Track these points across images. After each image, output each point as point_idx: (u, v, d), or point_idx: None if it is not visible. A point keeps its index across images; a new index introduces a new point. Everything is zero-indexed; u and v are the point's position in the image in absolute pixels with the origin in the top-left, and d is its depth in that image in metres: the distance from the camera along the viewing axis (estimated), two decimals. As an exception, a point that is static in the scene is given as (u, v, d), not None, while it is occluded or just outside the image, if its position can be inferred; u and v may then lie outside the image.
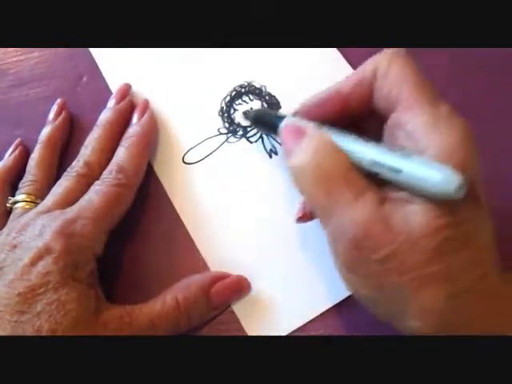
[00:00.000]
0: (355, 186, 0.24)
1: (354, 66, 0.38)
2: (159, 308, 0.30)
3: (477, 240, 0.23)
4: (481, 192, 0.24)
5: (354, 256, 0.24)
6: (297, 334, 0.32)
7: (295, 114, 0.30)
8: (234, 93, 0.38)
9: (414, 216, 0.23)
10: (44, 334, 0.27)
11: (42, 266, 0.28)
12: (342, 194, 0.24)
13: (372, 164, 0.24)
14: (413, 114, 0.24)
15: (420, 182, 0.22)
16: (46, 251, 0.28)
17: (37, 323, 0.27)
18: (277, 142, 0.37)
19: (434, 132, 0.24)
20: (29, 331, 0.27)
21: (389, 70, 0.26)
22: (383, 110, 0.26)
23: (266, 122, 0.33)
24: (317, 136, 0.26)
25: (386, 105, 0.26)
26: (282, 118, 0.30)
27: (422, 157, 0.23)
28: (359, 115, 0.28)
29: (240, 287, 0.33)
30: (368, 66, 0.27)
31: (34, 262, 0.28)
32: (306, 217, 0.31)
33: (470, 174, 0.23)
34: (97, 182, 0.32)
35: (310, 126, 0.27)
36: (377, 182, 0.25)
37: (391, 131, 0.26)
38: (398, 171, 0.23)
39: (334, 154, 0.25)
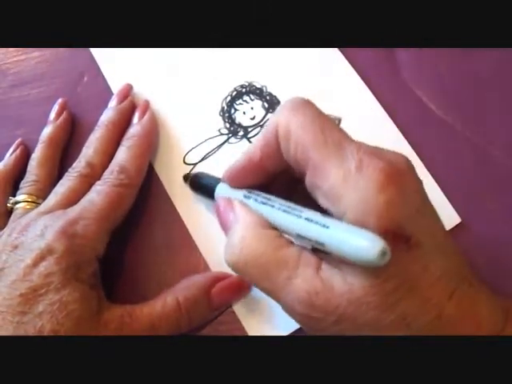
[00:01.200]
0: (287, 264, 0.24)
1: (355, 65, 0.38)
2: (160, 309, 0.30)
3: (422, 281, 0.23)
4: (416, 229, 0.23)
5: (310, 325, 0.25)
6: (297, 333, 0.32)
7: (224, 182, 0.30)
8: (234, 93, 0.38)
9: (351, 276, 0.23)
10: (46, 334, 0.27)
11: (43, 267, 0.28)
12: (278, 277, 0.24)
13: (297, 237, 0.24)
14: (322, 177, 0.23)
15: (342, 252, 0.22)
16: (48, 252, 0.28)
17: (38, 324, 0.27)
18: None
19: (346, 192, 0.22)
20: (30, 332, 0.27)
21: (288, 130, 0.25)
22: (297, 169, 0.25)
23: (203, 187, 0.33)
24: (240, 221, 0.26)
25: (296, 166, 0.25)
26: (216, 183, 0.31)
27: (342, 224, 0.22)
28: (282, 170, 0.27)
29: (240, 288, 0.33)
30: (269, 128, 0.26)
31: (35, 263, 0.28)
32: None
33: (395, 219, 0.22)
34: (98, 182, 0.33)
35: (237, 204, 0.27)
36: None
37: (311, 190, 0.25)
38: (321, 244, 0.23)
39: (260, 237, 0.25)
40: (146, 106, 0.37)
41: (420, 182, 0.24)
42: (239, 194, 0.28)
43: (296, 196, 0.27)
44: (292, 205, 0.25)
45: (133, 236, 0.35)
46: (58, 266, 0.28)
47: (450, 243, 0.24)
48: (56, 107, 0.38)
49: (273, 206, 0.26)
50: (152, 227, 0.35)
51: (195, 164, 0.37)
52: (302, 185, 0.25)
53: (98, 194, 0.32)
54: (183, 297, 0.31)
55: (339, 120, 0.31)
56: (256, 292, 0.33)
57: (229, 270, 0.33)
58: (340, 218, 0.23)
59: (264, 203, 0.26)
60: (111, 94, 0.38)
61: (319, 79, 0.38)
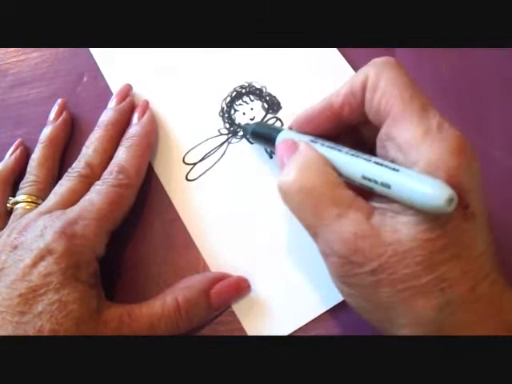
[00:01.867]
0: (340, 202, 0.24)
1: (354, 65, 0.38)
2: (159, 309, 0.30)
3: (467, 251, 0.23)
4: (474, 202, 0.23)
5: (345, 270, 0.25)
6: (297, 334, 0.32)
7: (290, 128, 0.30)
8: (234, 93, 0.38)
9: (404, 228, 0.23)
10: (45, 334, 0.27)
11: (43, 267, 0.28)
12: (328, 212, 0.24)
13: (362, 179, 0.25)
14: (402, 128, 0.24)
15: (409, 196, 0.22)
16: (47, 252, 0.29)
17: (38, 324, 0.27)
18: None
19: (423, 145, 0.23)
20: (30, 332, 0.27)
21: (377, 82, 0.26)
22: (374, 121, 0.26)
23: (264, 136, 0.33)
24: (303, 154, 0.26)
25: (376, 117, 0.26)
26: (279, 131, 0.31)
27: (412, 170, 0.23)
28: (353, 125, 0.28)
29: (240, 288, 0.33)
30: (357, 78, 0.27)
31: (35, 263, 0.28)
32: None
33: (461, 184, 0.23)
34: (98, 183, 0.33)
35: (302, 142, 0.28)
36: (369, 192, 0.25)
37: (382, 143, 0.26)
38: (387, 186, 0.23)
39: (320, 172, 0.25)
40: (146, 106, 0.37)
41: (479, 166, 0.25)
42: (305, 138, 0.28)
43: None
44: (359, 151, 0.26)
45: (132, 236, 0.35)
46: (58, 266, 0.28)
47: (490, 230, 0.25)
48: (56, 107, 0.38)
49: (340, 151, 0.26)
50: (151, 227, 0.35)
51: (195, 164, 0.37)
52: (363, 147, 0.26)
53: (97, 195, 0.32)
54: (182, 297, 0.31)
55: None
56: (256, 292, 0.33)
57: (229, 271, 0.33)
58: (410, 167, 0.23)
59: (331, 148, 0.27)
60: (111, 94, 0.38)
61: (319, 79, 0.38)
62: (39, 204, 0.33)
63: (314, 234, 0.26)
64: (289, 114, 0.37)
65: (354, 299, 0.26)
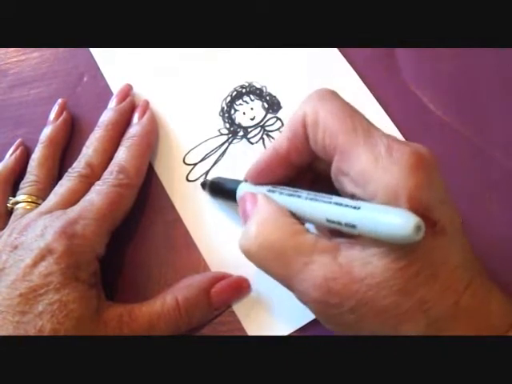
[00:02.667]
0: (304, 250, 0.24)
1: (354, 66, 0.38)
2: (159, 308, 0.31)
3: (442, 268, 0.23)
4: (443, 215, 0.23)
5: (325, 314, 0.25)
6: (297, 334, 0.32)
7: (246, 180, 0.30)
8: (234, 93, 0.38)
9: (374, 260, 0.22)
10: (46, 334, 0.27)
11: (43, 267, 0.28)
12: (294, 263, 0.24)
13: (326, 222, 0.24)
14: (351, 162, 0.24)
15: (375, 232, 0.22)
16: (47, 252, 0.29)
17: (39, 323, 0.27)
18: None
19: (376, 175, 0.22)
20: (31, 332, 0.27)
21: (316, 118, 0.25)
22: (324, 157, 0.26)
23: (223, 191, 0.33)
24: (261, 209, 0.26)
25: (324, 153, 0.25)
26: (237, 183, 0.31)
27: (373, 204, 0.23)
28: (306, 164, 0.28)
29: (240, 288, 0.33)
30: (295, 118, 0.26)
31: (35, 263, 0.28)
32: None
33: (425, 202, 0.22)
34: (98, 183, 0.33)
35: (260, 195, 0.27)
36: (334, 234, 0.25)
37: (337, 178, 0.25)
38: (352, 226, 0.23)
39: (278, 225, 0.25)
40: (146, 106, 0.37)
41: (441, 176, 0.24)
42: (263, 189, 0.28)
43: (320, 191, 0.26)
44: (319, 193, 0.25)
45: (133, 236, 0.35)
46: (58, 265, 0.28)
47: (465, 237, 0.25)
48: (56, 107, 0.38)
49: (299, 196, 0.26)
50: (152, 227, 0.35)
51: (195, 164, 0.37)
52: (323, 181, 0.26)
53: (97, 195, 0.32)
54: (183, 296, 0.31)
55: None
56: (257, 292, 0.33)
57: (229, 270, 0.33)
58: (369, 201, 0.23)
59: (290, 195, 0.26)
60: (111, 94, 0.38)
61: (319, 79, 0.38)
62: (39, 204, 0.33)
63: (287, 286, 0.25)
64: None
65: (346, 333, 0.26)
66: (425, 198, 0.22)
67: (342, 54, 0.39)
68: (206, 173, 0.36)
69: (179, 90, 0.39)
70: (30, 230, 0.30)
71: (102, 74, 0.40)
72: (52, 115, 0.38)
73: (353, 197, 0.24)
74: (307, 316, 0.32)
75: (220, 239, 0.34)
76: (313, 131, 0.25)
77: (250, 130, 0.37)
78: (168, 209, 0.36)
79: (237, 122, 0.38)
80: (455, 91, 0.37)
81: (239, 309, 0.33)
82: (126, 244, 0.35)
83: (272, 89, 0.38)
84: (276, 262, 0.25)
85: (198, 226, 0.35)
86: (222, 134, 0.37)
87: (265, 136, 0.37)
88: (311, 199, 0.25)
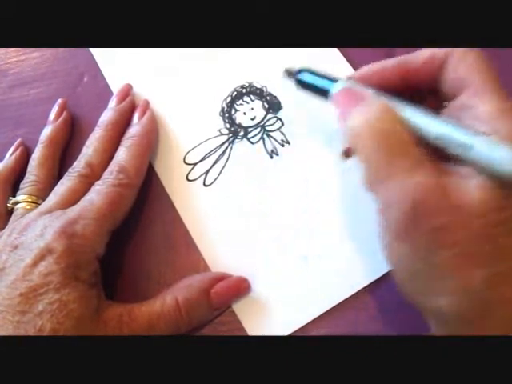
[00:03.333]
0: (413, 156, 0.24)
1: (355, 65, 0.38)
2: (158, 308, 0.31)
3: None
4: None
5: (408, 223, 0.24)
6: (298, 334, 0.32)
7: (350, 79, 0.29)
8: (234, 93, 0.38)
9: (472, 192, 0.23)
10: (46, 333, 0.27)
11: (43, 267, 0.28)
12: (400, 163, 0.24)
13: (439, 137, 0.24)
14: (483, 99, 0.25)
15: (486, 158, 0.23)
16: (47, 251, 0.29)
17: (39, 323, 0.27)
18: (278, 142, 0.37)
19: (502, 118, 0.24)
20: (31, 331, 0.27)
21: (464, 56, 0.26)
22: (448, 90, 0.27)
23: (313, 85, 0.31)
24: (375, 102, 0.26)
25: (452, 87, 0.27)
26: (332, 81, 0.29)
27: (490, 137, 0.23)
28: (418, 90, 0.28)
29: (240, 288, 0.33)
30: (440, 50, 0.27)
31: (35, 263, 0.28)
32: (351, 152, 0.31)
33: None
34: (98, 183, 0.33)
35: (369, 93, 0.27)
36: (438, 156, 0.25)
37: (455, 112, 0.26)
38: (468, 147, 0.23)
39: (396, 120, 0.25)
40: (146, 105, 0.37)
41: None
42: (368, 91, 0.27)
43: None
44: (431, 112, 0.26)
45: (132, 236, 0.35)
46: (58, 265, 0.28)
47: None
48: (56, 107, 0.38)
49: (413, 108, 0.26)
50: (152, 227, 0.35)
51: (195, 164, 0.37)
52: None
53: (97, 194, 0.32)
54: (182, 296, 0.31)
55: None
56: (257, 292, 0.33)
57: (229, 271, 0.33)
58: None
59: (401, 101, 0.26)
60: (111, 94, 0.38)
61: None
62: (39, 204, 0.33)
63: (381, 180, 0.25)
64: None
65: (404, 261, 0.25)
66: None
67: (342, 54, 0.39)
68: (206, 172, 0.36)
69: (179, 89, 0.39)
70: (30, 229, 0.30)
71: (102, 74, 0.40)
72: (52, 115, 0.38)
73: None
74: (307, 316, 0.32)
75: (220, 239, 0.34)
76: (456, 63, 0.27)
77: (250, 129, 0.37)
78: (168, 208, 0.36)
79: (237, 122, 0.38)
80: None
81: (239, 309, 0.33)
82: (126, 244, 0.35)
83: (272, 89, 0.38)
84: (384, 154, 0.24)
85: (198, 225, 0.35)
86: (222, 134, 0.37)
87: (265, 136, 0.37)
88: (426, 114, 0.25)
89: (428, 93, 0.29)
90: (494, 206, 0.22)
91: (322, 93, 0.29)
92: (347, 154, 0.32)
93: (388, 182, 0.24)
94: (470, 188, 0.23)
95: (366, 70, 0.29)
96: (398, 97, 0.27)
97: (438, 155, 0.25)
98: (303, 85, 0.32)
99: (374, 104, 0.26)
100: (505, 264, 0.23)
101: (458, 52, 0.27)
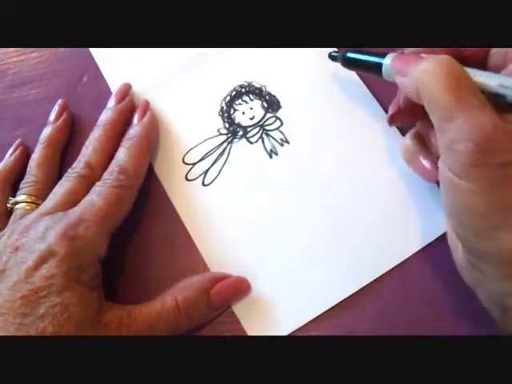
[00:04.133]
0: (481, 97, 0.26)
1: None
2: (158, 309, 0.31)
3: None
4: None
5: (474, 159, 0.25)
6: (297, 334, 0.32)
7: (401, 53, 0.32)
8: (234, 93, 0.38)
9: None
10: (47, 336, 0.27)
11: (45, 269, 0.28)
12: (471, 99, 0.25)
13: (499, 87, 0.26)
14: None
15: None
16: (49, 254, 0.29)
17: (40, 326, 0.27)
18: (277, 142, 0.37)
19: None
20: (32, 334, 0.27)
21: None
22: (495, 63, 0.29)
23: (365, 61, 0.33)
24: (440, 56, 0.27)
25: (499, 60, 0.29)
26: (380, 56, 0.32)
27: None
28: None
29: (240, 288, 0.33)
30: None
31: (37, 265, 0.28)
32: (398, 117, 0.33)
33: None
34: (98, 183, 0.33)
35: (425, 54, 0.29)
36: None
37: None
38: None
39: (463, 68, 0.27)
40: (146, 106, 0.37)
41: None
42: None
43: None
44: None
45: (132, 237, 0.35)
46: (60, 268, 0.28)
47: None
48: (56, 108, 0.38)
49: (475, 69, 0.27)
50: (151, 228, 0.35)
51: (194, 163, 0.37)
52: None
53: (97, 196, 0.32)
54: (182, 297, 0.31)
55: None
56: (256, 292, 0.33)
57: (228, 271, 0.33)
58: None
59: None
60: (111, 93, 0.38)
61: (319, 79, 0.38)
62: (39, 204, 0.33)
63: (450, 118, 0.26)
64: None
65: (470, 196, 0.25)
66: None
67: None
68: (205, 172, 0.36)
69: (178, 89, 0.39)
70: (31, 231, 0.30)
71: (101, 74, 0.40)
72: (52, 116, 0.38)
73: None
74: (307, 316, 0.32)
75: (220, 239, 0.35)
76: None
77: (249, 129, 0.37)
78: (167, 209, 0.36)
79: (236, 121, 0.38)
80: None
81: (239, 309, 0.33)
82: (126, 244, 0.35)
83: (271, 88, 0.38)
84: (456, 90, 0.26)
85: (198, 225, 0.35)
86: (221, 134, 0.37)
87: (264, 135, 0.37)
88: (483, 71, 0.27)
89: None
90: None
91: (374, 68, 0.32)
92: (393, 119, 0.33)
93: (458, 117, 0.25)
94: None
95: (413, 49, 0.31)
96: None
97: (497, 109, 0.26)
98: (352, 63, 0.35)
99: (440, 57, 0.27)
100: None
101: None
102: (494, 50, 0.29)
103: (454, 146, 0.25)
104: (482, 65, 0.29)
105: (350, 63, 0.35)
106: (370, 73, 0.33)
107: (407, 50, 0.31)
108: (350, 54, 0.35)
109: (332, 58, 0.36)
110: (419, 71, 0.27)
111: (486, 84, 0.27)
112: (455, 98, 0.26)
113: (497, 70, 0.29)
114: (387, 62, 0.31)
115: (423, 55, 0.29)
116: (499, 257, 0.25)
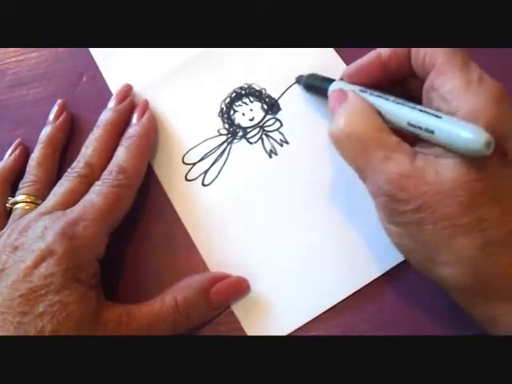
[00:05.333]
0: (386, 146, 0.26)
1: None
2: (158, 308, 0.31)
3: (506, 197, 0.25)
4: None
5: (392, 208, 0.26)
6: (297, 334, 0.32)
7: (341, 79, 0.33)
8: (233, 94, 0.38)
9: (445, 170, 0.24)
10: (46, 335, 0.27)
11: (44, 268, 0.28)
12: (375, 155, 0.26)
13: (408, 125, 0.27)
14: (445, 79, 0.26)
15: (450, 140, 0.24)
16: (48, 253, 0.28)
17: (39, 324, 0.27)
18: (277, 142, 0.37)
19: (464, 95, 0.25)
20: (31, 332, 0.27)
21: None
22: (420, 73, 0.29)
23: (316, 87, 0.35)
24: (352, 102, 0.29)
25: (421, 69, 0.28)
26: (330, 81, 0.33)
27: (453, 117, 0.25)
28: (400, 77, 0.30)
29: (239, 288, 0.33)
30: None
31: (36, 264, 0.28)
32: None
33: (500, 131, 0.24)
34: (97, 183, 0.33)
35: (351, 92, 0.30)
36: (412, 140, 0.27)
37: (427, 94, 0.28)
38: (431, 131, 0.25)
39: (367, 119, 0.27)
40: (146, 106, 0.37)
41: None
42: (355, 88, 0.31)
43: None
44: (405, 100, 0.28)
45: (132, 236, 0.35)
46: (58, 267, 0.28)
47: None
48: (55, 108, 0.38)
49: (387, 99, 0.29)
50: (151, 227, 0.35)
51: (194, 164, 0.37)
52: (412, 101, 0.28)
53: (97, 195, 0.32)
54: (182, 297, 0.31)
55: None
56: (256, 292, 0.33)
57: (228, 270, 0.33)
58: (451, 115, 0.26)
59: (379, 96, 0.29)
60: (110, 93, 0.38)
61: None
62: (38, 204, 0.33)
63: (363, 176, 0.28)
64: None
65: (401, 238, 0.27)
66: (502, 127, 0.25)
67: (339, 54, 0.38)
68: (205, 172, 0.36)
69: (178, 90, 0.39)
70: (30, 231, 0.30)
71: (101, 74, 0.40)
72: (52, 115, 0.38)
73: (437, 111, 0.26)
74: (306, 316, 0.32)
75: (219, 239, 0.35)
76: (416, 49, 0.29)
77: (249, 130, 0.37)
78: (167, 208, 0.36)
79: (236, 122, 0.38)
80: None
81: (238, 309, 0.33)
82: (126, 244, 0.35)
83: (271, 91, 0.38)
84: (359, 151, 0.27)
85: (197, 225, 0.35)
86: (221, 134, 0.37)
87: (264, 136, 0.37)
88: (397, 103, 0.28)
89: (410, 76, 0.30)
90: (468, 179, 0.24)
91: (325, 94, 0.33)
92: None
93: (368, 176, 0.27)
94: (441, 167, 0.25)
95: (350, 68, 0.32)
96: (382, 88, 0.30)
97: (413, 140, 0.27)
98: (310, 88, 0.36)
99: (349, 105, 0.29)
100: (495, 232, 0.24)
101: None
102: (416, 61, 0.29)
103: (374, 199, 0.27)
104: (406, 66, 0.30)
105: (307, 87, 0.37)
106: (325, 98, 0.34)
107: (348, 71, 0.32)
108: (306, 79, 0.37)
109: (298, 81, 0.38)
110: (329, 133, 0.29)
111: (396, 122, 0.27)
112: (360, 159, 0.27)
113: (420, 69, 0.29)
114: (329, 93, 0.32)
115: (349, 93, 0.29)
116: (446, 285, 0.27)
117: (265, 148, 0.37)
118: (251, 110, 0.38)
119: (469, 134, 0.23)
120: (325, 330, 0.32)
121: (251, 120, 0.38)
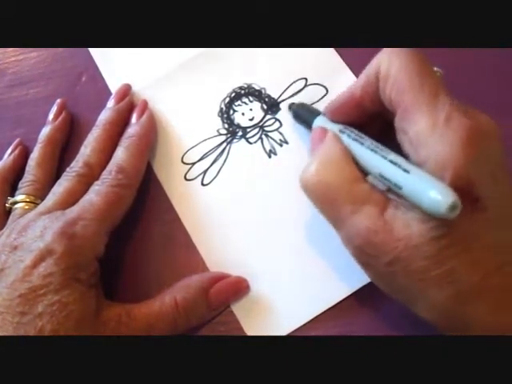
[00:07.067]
0: (356, 199, 0.25)
1: (352, 66, 0.38)
2: (157, 308, 0.31)
3: (476, 242, 0.24)
4: (486, 193, 0.24)
5: (363, 260, 0.27)
6: (296, 334, 0.32)
7: (324, 115, 0.32)
8: (233, 94, 0.38)
9: (414, 224, 0.24)
10: (46, 335, 0.27)
11: (43, 268, 0.28)
12: (343, 208, 0.26)
13: (379, 176, 0.26)
14: (411, 121, 0.24)
15: (416, 199, 0.23)
16: (47, 253, 0.28)
17: (38, 324, 0.27)
18: (276, 142, 0.37)
19: (431, 141, 0.23)
20: (31, 332, 0.27)
21: (389, 70, 0.26)
22: (390, 110, 0.26)
23: (303, 119, 0.35)
24: (326, 148, 0.28)
25: (390, 106, 0.26)
26: (317, 114, 0.33)
27: (421, 171, 0.24)
28: (378, 112, 0.29)
29: (239, 288, 0.33)
30: (371, 67, 0.27)
31: (35, 264, 0.28)
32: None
33: (470, 178, 0.23)
34: (96, 183, 0.32)
35: (330, 133, 0.29)
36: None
37: (398, 135, 0.26)
38: (399, 187, 0.24)
39: (338, 168, 0.27)
40: (145, 105, 0.37)
41: (501, 148, 0.25)
42: (336, 127, 0.30)
43: (388, 140, 0.27)
44: (380, 146, 0.27)
45: (131, 236, 0.35)
46: (58, 266, 0.28)
47: None
48: (55, 107, 0.38)
49: (362, 144, 0.27)
50: (150, 227, 0.35)
51: (193, 163, 0.37)
52: (392, 131, 0.27)
53: (96, 195, 0.32)
54: (181, 296, 0.31)
55: (440, 73, 0.30)
56: (255, 292, 0.33)
57: (228, 270, 0.33)
58: (420, 166, 0.24)
59: (355, 140, 0.28)
60: (109, 93, 0.38)
61: (316, 78, 0.38)
62: (38, 204, 0.33)
63: (333, 226, 0.27)
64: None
65: (377, 282, 0.27)
66: (471, 174, 0.23)
67: (339, 54, 0.38)
68: (204, 172, 0.36)
69: (178, 90, 0.39)
70: (30, 230, 0.30)
71: (100, 74, 0.40)
72: (51, 115, 0.38)
73: (407, 157, 0.25)
74: (306, 316, 0.32)
75: (219, 239, 0.34)
76: (383, 83, 0.26)
77: (248, 130, 0.37)
78: (166, 208, 0.36)
79: (236, 122, 0.38)
80: (453, 91, 0.37)
81: (238, 309, 0.33)
82: (125, 244, 0.35)
83: (271, 91, 0.38)
84: (327, 203, 0.27)
85: (197, 225, 0.35)
86: (220, 134, 0.37)
87: (263, 136, 0.37)
88: (371, 150, 0.27)
89: (387, 112, 0.27)
90: (435, 235, 0.23)
91: (310, 126, 0.33)
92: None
93: (338, 226, 0.27)
94: (410, 221, 0.24)
95: (330, 106, 0.31)
96: (361, 126, 0.29)
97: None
98: (297, 118, 0.36)
99: (324, 151, 0.28)
100: (467, 282, 0.24)
101: (383, 68, 0.26)
102: (384, 99, 0.26)
103: (346, 247, 0.27)
104: (379, 103, 0.27)
105: (295, 117, 0.36)
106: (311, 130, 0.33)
107: (329, 108, 0.31)
108: (295, 108, 0.36)
109: (289, 108, 0.37)
110: (300, 178, 0.28)
111: (370, 171, 0.27)
112: (329, 210, 0.27)
113: (389, 107, 0.26)
114: (314, 126, 0.32)
115: (327, 136, 0.29)
116: (427, 322, 0.26)
117: (264, 148, 0.37)
118: (251, 109, 0.38)
119: (434, 196, 0.22)
120: (324, 330, 0.32)
121: (251, 120, 0.38)
